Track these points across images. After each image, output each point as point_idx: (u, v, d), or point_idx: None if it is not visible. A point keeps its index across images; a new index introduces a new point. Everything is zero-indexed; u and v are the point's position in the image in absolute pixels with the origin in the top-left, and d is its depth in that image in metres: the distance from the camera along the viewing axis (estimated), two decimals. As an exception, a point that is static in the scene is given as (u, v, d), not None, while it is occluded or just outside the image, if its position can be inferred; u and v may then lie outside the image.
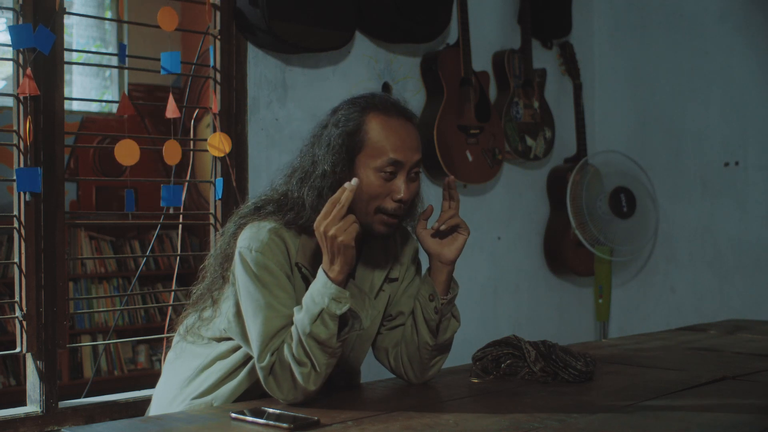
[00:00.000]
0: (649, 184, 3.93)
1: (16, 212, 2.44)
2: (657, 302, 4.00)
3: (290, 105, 3.06)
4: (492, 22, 3.77)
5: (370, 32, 3.28)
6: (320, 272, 1.64)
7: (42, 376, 2.46)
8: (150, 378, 3.00)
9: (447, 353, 1.91)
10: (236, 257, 1.72)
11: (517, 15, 3.84)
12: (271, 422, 1.49)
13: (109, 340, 5.23)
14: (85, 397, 2.63)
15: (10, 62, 2.43)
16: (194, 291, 1.89)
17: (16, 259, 2.45)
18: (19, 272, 2.44)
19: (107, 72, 5.98)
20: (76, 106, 5.73)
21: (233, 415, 1.55)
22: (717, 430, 1.50)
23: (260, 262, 1.68)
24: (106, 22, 5.99)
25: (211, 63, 2.86)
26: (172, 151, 2.65)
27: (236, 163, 2.86)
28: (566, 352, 1.91)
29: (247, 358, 1.77)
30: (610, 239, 3.84)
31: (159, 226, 2.86)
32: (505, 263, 3.81)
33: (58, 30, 2.46)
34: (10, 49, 2.41)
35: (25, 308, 2.43)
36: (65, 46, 2.52)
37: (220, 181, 2.83)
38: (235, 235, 1.77)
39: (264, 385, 1.67)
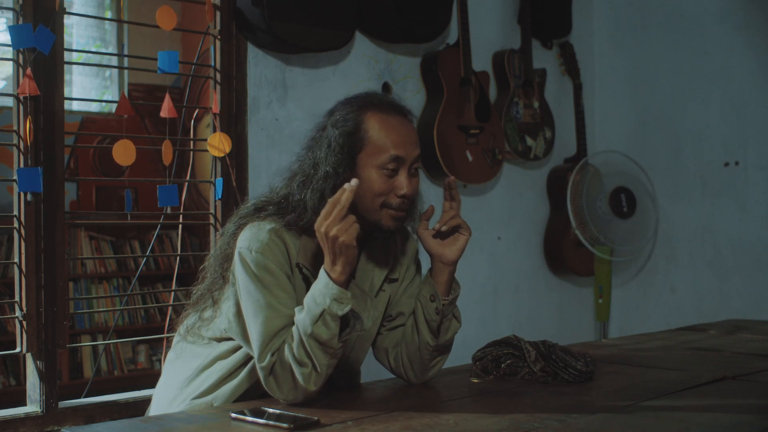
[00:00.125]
0: (649, 184, 3.93)
1: (16, 212, 2.44)
2: (657, 302, 4.00)
3: (290, 105, 3.06)
4: (492, 22, 3.77)
5: (370, 32, 3.28)
6: (322, 273, 1.64)
7: (42, 376, 2.46)
8: (150, 378, 3.00)
9: (447, 354, 1.92)
10: (236, 257, 1.72)
11: (517, 15, 3.84)
12: (271, 422, 1.49)
13: (109, 340, 5.23)
14: (85, 397, 2.63)
15: (10, 62, 2.43)
16: (194, 292, 1.89)
17: (16, 259, 2.45)
18: (19, 272, 2.44)
19: (107, 72, 5.98)
20: (76, 106, 5.73)
21: (233, 415, 1.55)
22: (717, 430, 1.50)
23: (260, 263, 1.68)
24: (106, 22, 5.99)
25: (212, 63, 2.86)
26: (168, 151, 2.64)
27: (236, 163, 2.86)
28: (566, 352, 1.92)
29: (248, 358, 1.77)
30: (610, 239, 3.84)
31: (159, 226, 2.86)
32: (505, 263, 3.81)
33: (58, 30, 2.46)
34: (10, 49, 2.41)
35: (25, 308, 2.43)
36: (65, 46, 2.52)
37: (220, 181, 2.83)
38: (235, 236, 1.77)
39: (264, 385, 1.67)
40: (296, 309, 1.65)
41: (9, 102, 2.63)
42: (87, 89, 5.95)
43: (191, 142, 2.93)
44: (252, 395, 1.77)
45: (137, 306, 5.59)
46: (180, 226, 3.02)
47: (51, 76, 2.46)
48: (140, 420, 1.65)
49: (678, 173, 3.91)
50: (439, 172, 3.39)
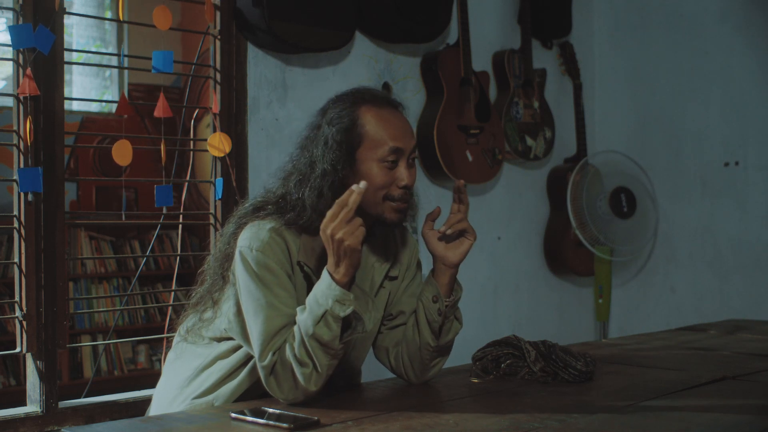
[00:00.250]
0: (649, 184, 3.93)
1: (16, 212, 2.44)
2: (657, 302, 4.00)
3: (290, 105, 3.06)
4: (492, 22, 3.77)
5: (370, 32, 3.27)
6: (325, 273, 1.64)
7: (42, 376, 2.46)
8: (150, 378, 3.00)
9: (448, 354, 1.92)
10: (237, 256, 1.72)
11: (517, 15, 3.84)
12: (271, 422, 1.49)
13: (109, 340, 5.23)
14: (85, 397, 2.63)
15: (10, 62, 2.43)
16: (194, 293, 1.89)
17: (16, 259, 2.45)
18: (19, 272, 2.44)
19: (107, 72, 5.98)
20: (76, 106, 5.74)
21: (233, 415, 1.55)
22: (717, 430, 1.50)
23: (261, 261, 1.68)
24: (106, 22, 5.99)
25: (212, 63, 2.86)
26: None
27: (236, 163, 2.86)
28: (566, 352, 1.91)
29: (248, 358, 1.77)
30: (610, 239, 3.84)
31: (159, 226, 2.86)
32: (505, 263, 3.81)
33: (58, 30, 2.46)
34: (10, 49, 2.41)
35: (25, 308, 2.43)
36: (65, 46, 2.52)
37: (220, 181, 2.83)
38: (234, 235, 1.77)
39: (264, 385, 1.67)
40: (298, 309, 1.65)
41: (9, 102, 2.63)
42: (87, 89, 5.95)
43: (191, 142, 2.93)
44: (252, 395, 1.77)
45: (137, 306, 5.59)
46: (180, 226, 3.02)
47: (51, 76, 2.46)
48: (140, 420, 1.65)
49: (678, 173, 3.91)
50: (439, 172, 3.39)
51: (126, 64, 2.64)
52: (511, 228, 3.85)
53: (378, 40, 3.31)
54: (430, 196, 3.38)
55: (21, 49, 2.40)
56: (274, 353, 1.64)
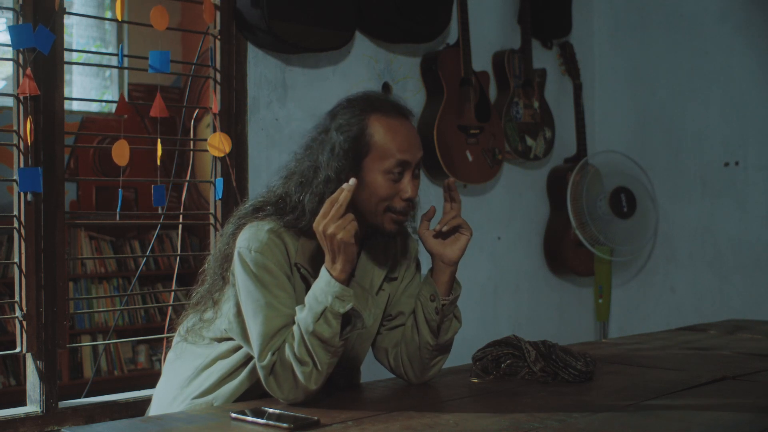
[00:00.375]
0: (649, 184, 3.93)
1: (16, 212, 2.44)
2: (657, 302, 4.00)
3: (290, 105, 3.06)
4: (492, 22, 3.77)
5: (370, 32, 3.27)
6: (323, 271, 1.64)
7: (42, 376, 2.46)
8: (150, 378, 3.00)
9: (447, 354, 1.92)
10: (236, 257, 1.72)
11: (517, 15, 3.84)
12: (271, 422, 1.49)
13: (109, 340, 5.23)
14: (85, 397, 2.63)
15: (10, 62, 2.43)
16: (194, 293, 1.89)
17: (16, 259, 2.45)
18: (19, 272, 2.44)
19: (107, 72, 5.98)
20: (76, 106, 5.73)
21: (233, 415, 1.55)
22: (717, 430, 1.50)
23: (260, 262, 1.68)
24: (106, 22, 5.99)
25: (211, 63, 2.86)
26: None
27: (236, 163, 2.86)
28: (566, 352, 1.91)
29: (248, 358, 1.77)
30: (610, 239, 3.84)
31: (159, 226, 2.86)
32: (505, 263, 3.81)
33: (58, 30, 2.46)
34: (10, 49, 2.41)
35: (25, 308, 2.43)
36: (65, 46, 2.52)
37: (220, 181, 2.84)
38: (234, 236, 1.77)
39: (264, 385, 1.67)
40: (297, 308, 1.65)
41: (9, 102, 2.63)
42: (87, 89, 5.95)
43: (191, 142, 2.93)
44: (252, 395, 1.77)
45: (137, 306, 5.59)
46: (180, 226, 3.02)
47: (51, 76, 2.46)
48: (140, 420, 1.65)
49: (678, 173, 3.91)
50: (439, 172, 3.39)
51: (125, 64, 2.63)
52: (511, 228, 3.85)
53: (378, 40, 3.31)
54: (430, 196, 3.35)
55: (21, 49, 2.40)
56: (273, 353, 1.64)
